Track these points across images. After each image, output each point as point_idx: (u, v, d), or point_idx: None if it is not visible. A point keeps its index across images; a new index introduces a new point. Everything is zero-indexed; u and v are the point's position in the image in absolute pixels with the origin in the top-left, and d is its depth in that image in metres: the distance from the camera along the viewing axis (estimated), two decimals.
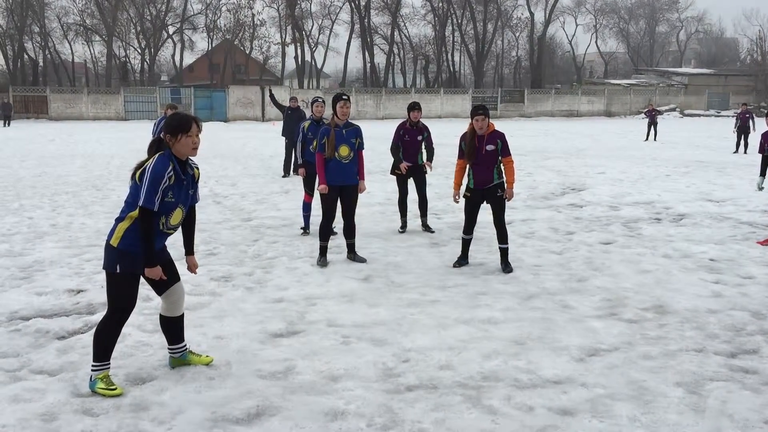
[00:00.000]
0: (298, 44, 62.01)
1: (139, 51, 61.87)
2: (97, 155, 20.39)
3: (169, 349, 4.48)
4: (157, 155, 4.03)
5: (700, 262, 7.34)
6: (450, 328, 5.25)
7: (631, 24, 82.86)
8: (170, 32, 63.63)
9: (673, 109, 57.45)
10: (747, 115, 21.51)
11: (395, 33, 65.22)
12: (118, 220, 4.09)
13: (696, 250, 7.86)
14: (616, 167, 16.70)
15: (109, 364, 4.13)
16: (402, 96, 54.36)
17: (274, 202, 11.61)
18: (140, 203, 3.92)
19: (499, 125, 7.69)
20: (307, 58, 64.94)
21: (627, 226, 9.42)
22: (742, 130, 21.25)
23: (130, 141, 25.93)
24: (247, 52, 64.33)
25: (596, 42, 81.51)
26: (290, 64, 68.68)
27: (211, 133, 32.21)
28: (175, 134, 4.02)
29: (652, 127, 27.28)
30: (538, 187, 13.33)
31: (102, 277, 6.59)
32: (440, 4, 65.38)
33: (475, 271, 7.01)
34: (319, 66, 67.48)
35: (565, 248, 8.05)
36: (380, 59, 68.09)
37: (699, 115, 55.61)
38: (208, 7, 63.52)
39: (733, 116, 18.19)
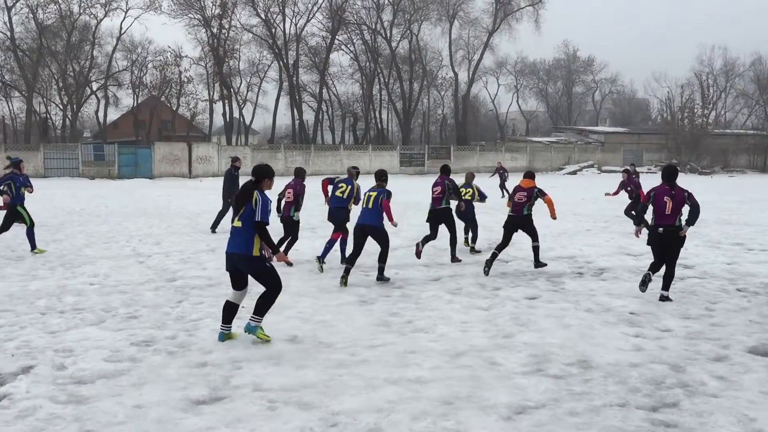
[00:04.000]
0: (226, 101, 61.87)
1: (61, 107, 60.33)
2: None
3: (222, 326, 6.50)
4: (257, 191, 6.25)
5: (621, 315, 7.55)
6: (379, 389, 5.18)
7: (549, 85, 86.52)
8: (94, 88, 62.36)
9: (591, 166, 59.92)
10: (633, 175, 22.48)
11: (324, 91, 66.03)
12: (247, 237, 6.18)
13: (617, 303, 8.09)
14: (539, 222, 17.12)
15: (263, 319, 6.37)
16: (331, 152, 54.76)
17: (200, 261, 11.35)
18: (259, 219, 6.17)
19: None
20: (236, 114, 64.80)
21: (551, 280, 9.64)
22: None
23: (49, 198, 25.04)
24: (174, 108, 63.66)
25: (517, 101, 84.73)
26: (218, 121, 68.37)
27: (135, 191, 31.49)
28: (270, 177, 6.42)
29: (504, 186, 26.88)
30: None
31: (13, 344, 6.27)
32: (367, 64, 66.76)
33: (404, 329, 6.99)
34: (247, 122, 67.45)
35: (492, 304, 8.16)
36: (309, 116, 68.65)
37: (615, 171, 58.04)
38: (134, 64, 62.87)
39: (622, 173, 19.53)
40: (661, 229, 8.05)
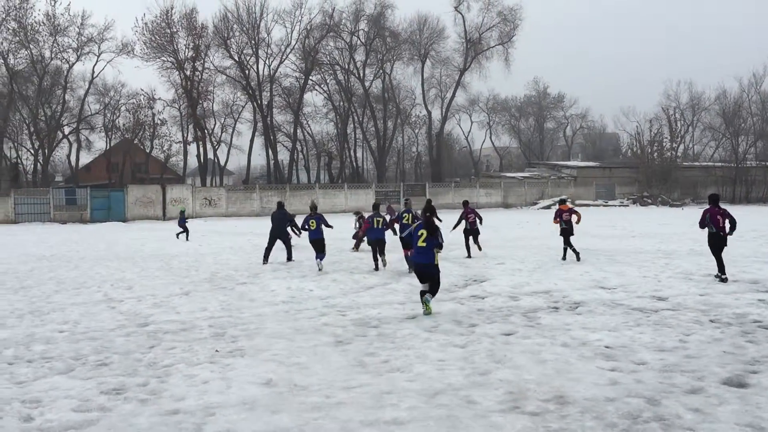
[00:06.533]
0: (200, 142, 61.87)
1: (32, 152, 59.73)
2: None
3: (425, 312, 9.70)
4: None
5: (596, 349, 7.56)
6: (354, 431, 5.11)
7: (521, 121, 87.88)
8: (66, 132, 61.94)
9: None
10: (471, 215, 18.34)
11: (298, 130, 66.39)
12: (431, 253, 9.92)
13: (592, 337, 8.11)
14: (515, 257, 17.25)
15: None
16: (306, 191, 54.81)
17: (174, 305, 11.18)
18: (441, 242, 10.05)
19: None
20: (210, 155, 64.81)
21: (526, 316, 9.64)
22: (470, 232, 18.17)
23: (20, 244, 24.63)
24: (148, 150, 63.42)
25: (490, 137, 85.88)
26: (193, 162, 68.28)
27: (107, 234, 31.13)
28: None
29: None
30: (441, 279, 13.51)
31: None
32: (341, 104, 67.39)
33: (380, 369, 6.92)
34: (222, 163, 67.45)
35: (469, 341, 8.12)
36: (284, 156, 68.91)
37: (588, 205, 58.78)
38: (106, 108, 62.71)
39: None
40: (722, 233, 12.70)
